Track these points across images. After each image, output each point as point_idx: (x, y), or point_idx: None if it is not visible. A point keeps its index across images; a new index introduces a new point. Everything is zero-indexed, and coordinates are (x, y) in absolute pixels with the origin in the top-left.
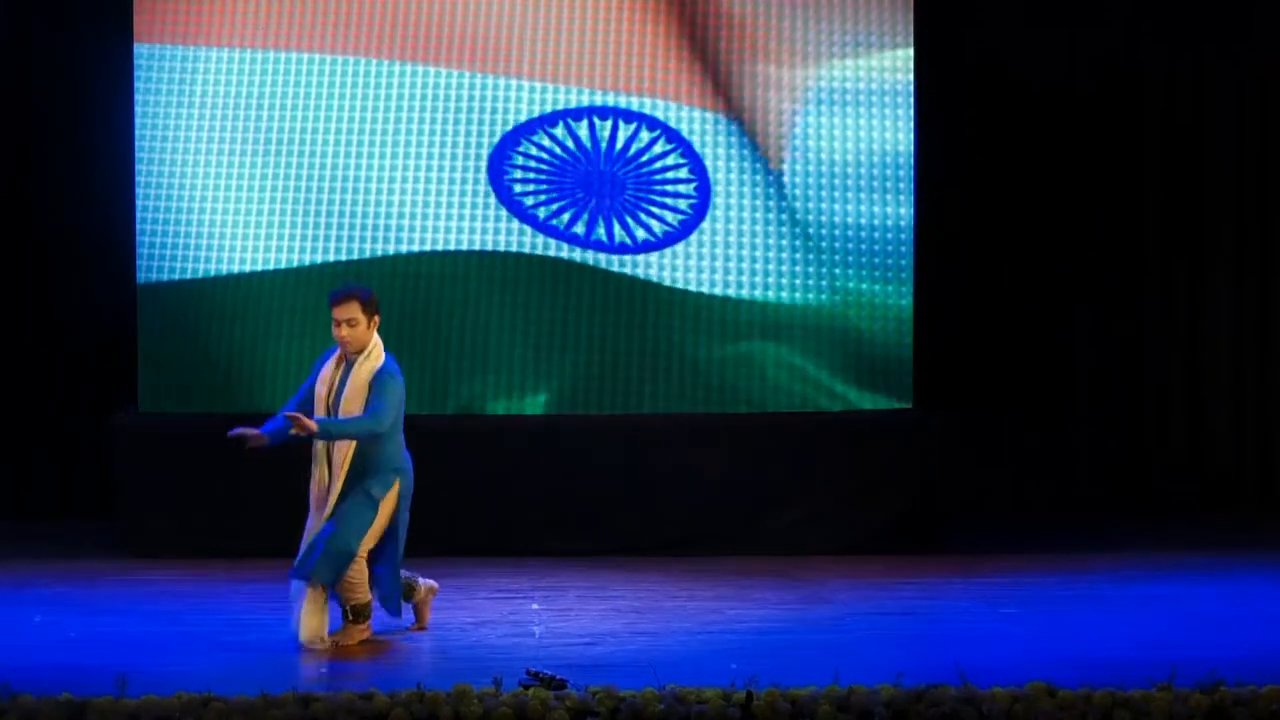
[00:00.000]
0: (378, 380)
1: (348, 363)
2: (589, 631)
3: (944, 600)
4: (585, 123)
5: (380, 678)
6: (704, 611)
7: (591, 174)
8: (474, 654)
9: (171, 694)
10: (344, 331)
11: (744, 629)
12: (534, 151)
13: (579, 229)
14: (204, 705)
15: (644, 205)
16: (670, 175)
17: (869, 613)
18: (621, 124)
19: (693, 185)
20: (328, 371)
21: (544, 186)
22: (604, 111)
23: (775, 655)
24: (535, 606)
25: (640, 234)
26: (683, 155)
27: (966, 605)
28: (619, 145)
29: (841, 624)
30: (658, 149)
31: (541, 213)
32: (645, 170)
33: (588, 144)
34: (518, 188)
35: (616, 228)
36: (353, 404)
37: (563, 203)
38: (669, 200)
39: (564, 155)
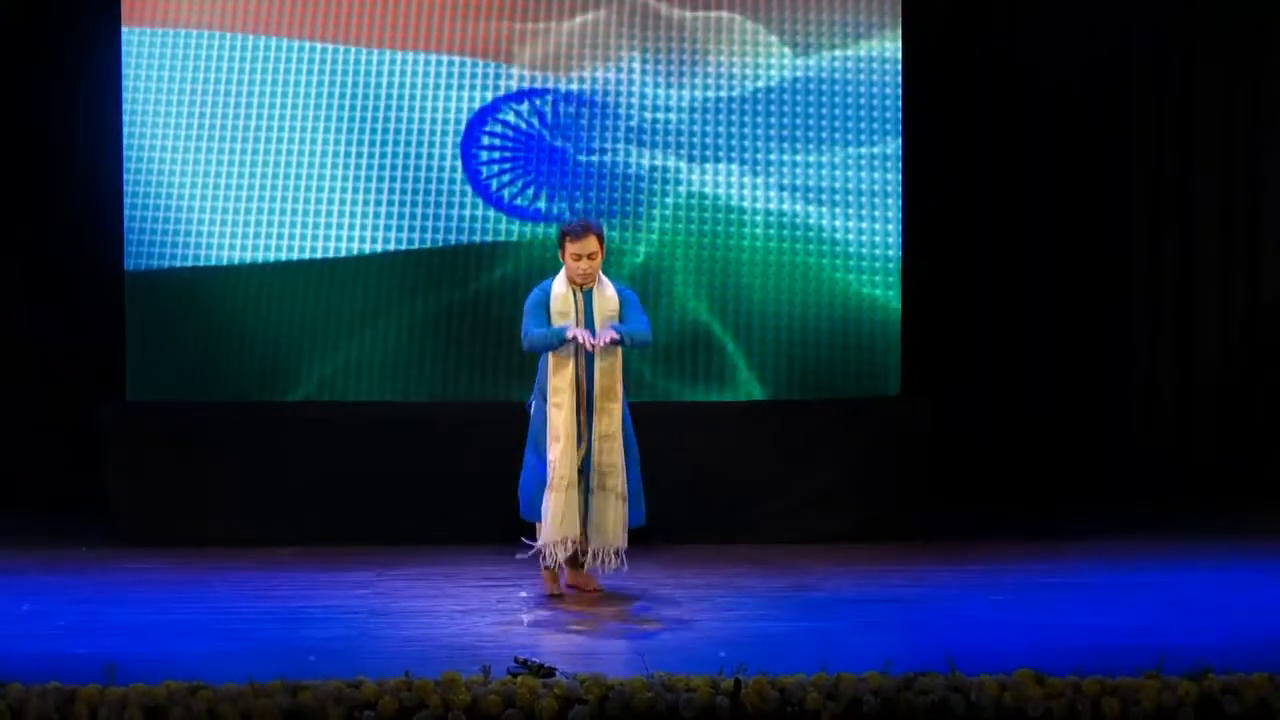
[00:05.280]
0: (628, 299)
1: (585, 295)
2: (578, 619)
3: (932, 588)
4: (545, 100)
5: (369, 666)
6: (692, 599)
7: (543, 152)
8: (462, 642)
9: (160, 683)
10: (584, 265)
11: (732, 617)
12: (500, 130)
13: (541, 205)
14: (192, 694)
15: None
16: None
17: (857, 600)
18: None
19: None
20: (565, 306)
21: (507, 166)
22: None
23: (763, 643)
24: (523, 594)
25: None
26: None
27: (955, 593)
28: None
29: (829, 612)
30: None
31: (506, 194)
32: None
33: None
34: (485, 171)
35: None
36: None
37: (525, 179)
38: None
39: (527, 133)
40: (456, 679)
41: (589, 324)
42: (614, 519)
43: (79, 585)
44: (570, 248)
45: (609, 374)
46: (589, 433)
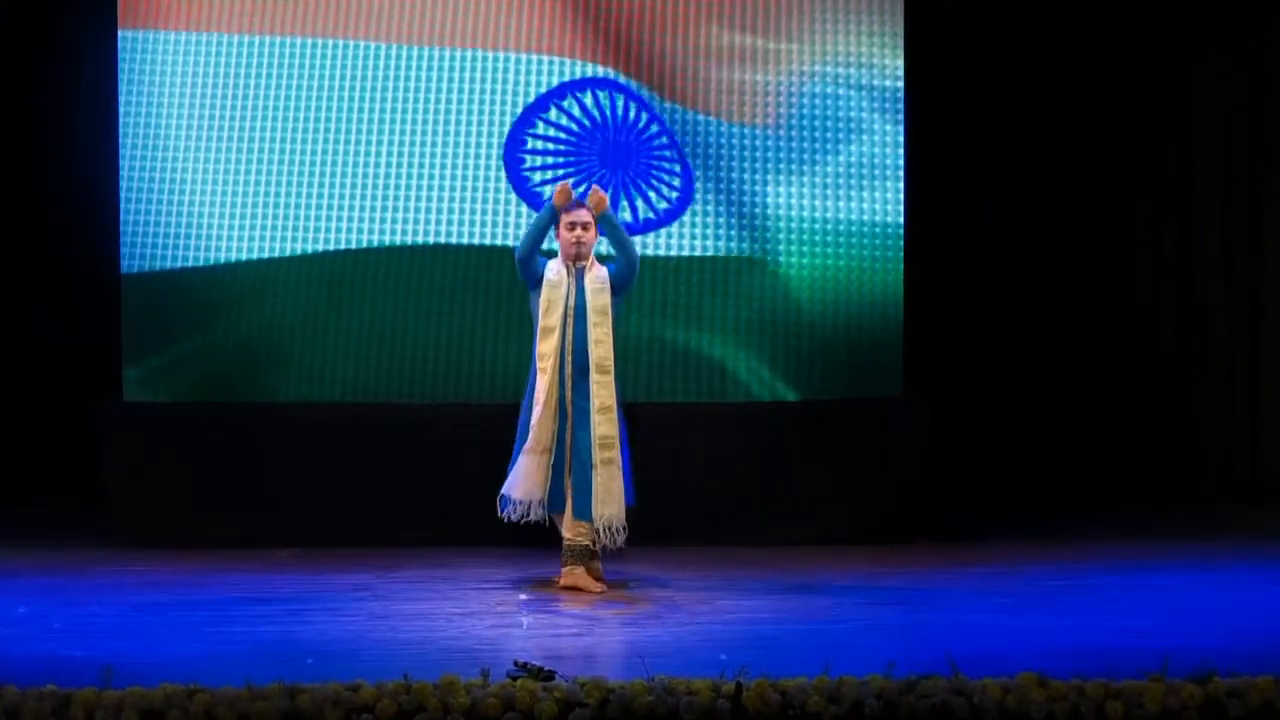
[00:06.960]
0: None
1: (576, 272)
2: (577, 622)
3: (934, 590)
4: (589, 95)
5: (367, 668)
6: (693, 602)
7: (608, 146)
8: (461, 644)
9: (157, 685)
10: (578, 234)
11: (733, 619)
12: (545, 131)
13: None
14: (189, 697)
15: (648, 180)
16: (662, 154)
17: (859, 603)
18: (619, 96)
19: (677, 167)
20: (557, 278)
21: (559, 161)
22: (602, 83)
23: (765, 646)
24: (523, 597)
25: (642, 211)
26: (666, 136)
27: (957, 595)
28: (631, 117)
29: (831, 614)
30: (645, 124)
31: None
32: (645, 144)
33: (596, 117)
34: (530, 160)
35: (638, 203)
36: (597, 312)
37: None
38: (664, 178)
39: (579, 129)
40: (455, 682)
41: (580, 302)
42: (616, 491)
43: (76, 587)
44: (564, 217)
45: (602, 344)
46: (588, 404)
